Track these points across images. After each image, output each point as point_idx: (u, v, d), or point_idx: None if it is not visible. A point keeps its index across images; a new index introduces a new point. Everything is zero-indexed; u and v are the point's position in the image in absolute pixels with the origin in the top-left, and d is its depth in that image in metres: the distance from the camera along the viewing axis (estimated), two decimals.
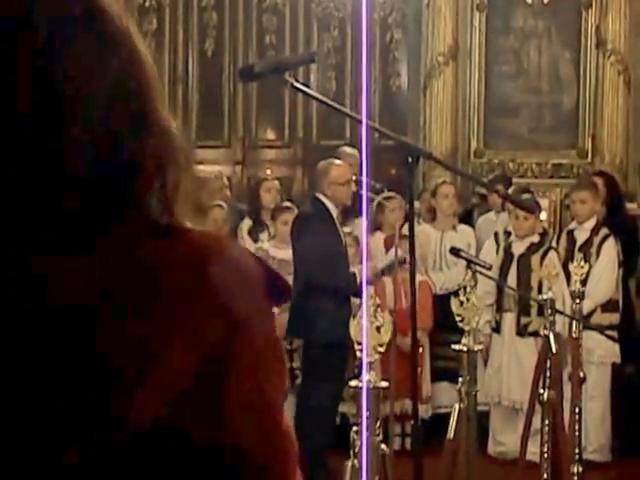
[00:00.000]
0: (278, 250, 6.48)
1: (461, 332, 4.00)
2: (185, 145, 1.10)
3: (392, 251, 6.50)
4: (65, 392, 0.99)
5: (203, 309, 1.03)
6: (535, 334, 5.94)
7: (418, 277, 6.30)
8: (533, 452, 4.98)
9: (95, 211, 1.01)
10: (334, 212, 5.65)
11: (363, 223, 7.07)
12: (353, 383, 2.76)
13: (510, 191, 6.78)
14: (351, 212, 6.93)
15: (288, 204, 6.79)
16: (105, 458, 1.00)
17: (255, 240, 6.90)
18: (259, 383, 1.06)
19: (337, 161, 5.95)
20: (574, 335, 5.20)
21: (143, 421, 1.00)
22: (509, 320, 6.24)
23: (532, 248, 6.23)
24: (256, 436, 1.06)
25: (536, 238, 6.28)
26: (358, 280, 5.51)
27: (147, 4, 9.49)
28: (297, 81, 2.46)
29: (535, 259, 6.15)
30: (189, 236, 1.07)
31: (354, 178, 6.01)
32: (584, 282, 5.32)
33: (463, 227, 7.05)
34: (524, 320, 6.17)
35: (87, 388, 0.99)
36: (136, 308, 1.01)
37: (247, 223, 7.12)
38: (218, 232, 1.10)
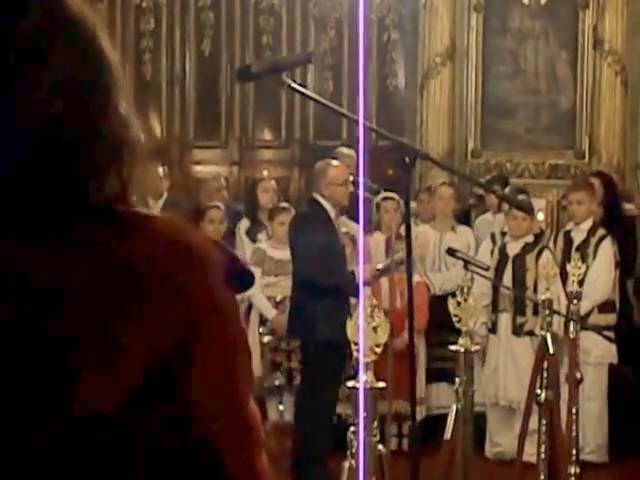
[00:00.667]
0: (276, 250, 6.48)
1: (459, 333, 4.01)
2: (141, 137, 1.11)
3: (382, 239, 6.52)
4: (32, 376, 0.99)
5: (161, 296, 1.03)
6: (531, 333, 5.95)
7: (416, 278, 6.34)
8: (530, 453, 4.98)
9: (47, 198, 1.02)
10: (332, 212, 5.65)
11: (360, 224, 7.07)
12: (350, 383, 2.76)
13: (506, 191, 6.78)
14: (348, 212, 6.94)
15: (285, 205, 6.80)
16: (71, 442, 1.00)
17: (253, 240, 6.90)
18: (223, 369, 1.06)
19: (334, 162, 5.95)
20: (571, 336, 5.20)
21: (106, 406, 1.00)
22: (505, 320, 6.24)
23: (527, 248, 6.24)
24: (220, 423, 1.06)
25: (531, 238, 6.28)
26: (357, 279, 5.51)
27: (144, 4, 9.48)
28: (294, 81, 2.45)
29: (530, 259, 6.15)
30: (146, 222, 1.08)
31: (351, 179, 6.01)
32: (581, 283, 5.32)
33: (462, 228, 7.05)
34: (520, 320, 6.18)
35: (52, 371, 0.99)
36: (92, 296, 1.01)
37: (245, 223, 7.12)
38: (177, 219, 1.11)
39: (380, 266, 5.73)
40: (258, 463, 1.10)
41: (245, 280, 1.14)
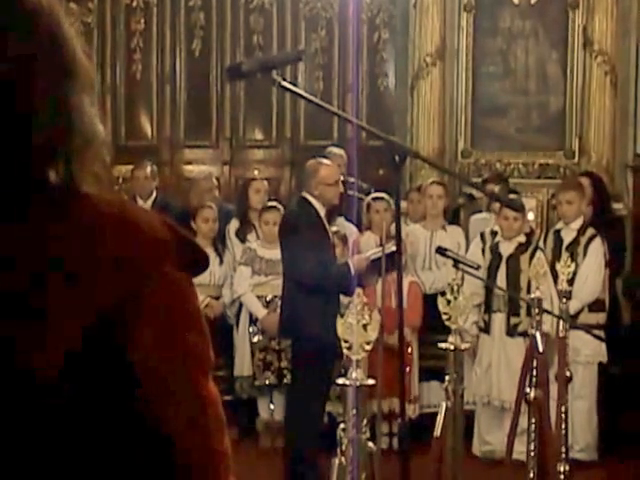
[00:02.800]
0: (266, 250, 6.48)
1: (449, 331, 4.01)
2: (101, 134, 1.13)
3: (374, 238, 6.52)
4: None
5: (101, 271, 1.04)
6: (524, 334, 5.95)
7: (409, 278, 6.36)
8: (520, 451, 4.99)
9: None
10: (322, 212, 5.65)
11: (350, 224, 7.08)
12: (340, 381, 2.76)
13: (496, 191, 6.79)
14: (337, 211, 6.94)
15: (273, 203, 6.78)
16: (14, 409, 1.01)
17: (243, 241, 6.89)
18: (166, 345, 1.05)
19: (325, 161, 5.94)
20: (561, 334, 5.22)
21: (47, 374, 1.00)
22: (499, 320, 6.25)
23: (520, 248, 6.25)
24: (159, 402, 1.06)
25: (523, 238, 6.30)
26: (352, 270, 5.50)
27: (134, 4, 9.46)
28: (285, 80, 2.45)
29: (524, 259, 6.16)
30: (92, 201, 1.09)
31: (342, 178, 6.01)
32: (571, 282, 5.33)
33: (452, 227, 7.06)
34: (514, 320, 6.19)
35: None
36: (37, 270, 1.03)
37: (234, 224, 7.11)
38: (122, 198, 1.14)
39: (371, 254, 5.71)
40: (213, 442, 1.09)
41: (198, 261, 1.13)
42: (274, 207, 6.63)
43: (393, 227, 5.41)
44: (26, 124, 1.06)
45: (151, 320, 1.05)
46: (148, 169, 7.79)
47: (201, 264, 1.14)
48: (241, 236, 6.95)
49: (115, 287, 1.04)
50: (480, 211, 7.37)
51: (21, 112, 1.06)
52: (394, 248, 5.32)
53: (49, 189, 1.08)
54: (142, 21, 9.50)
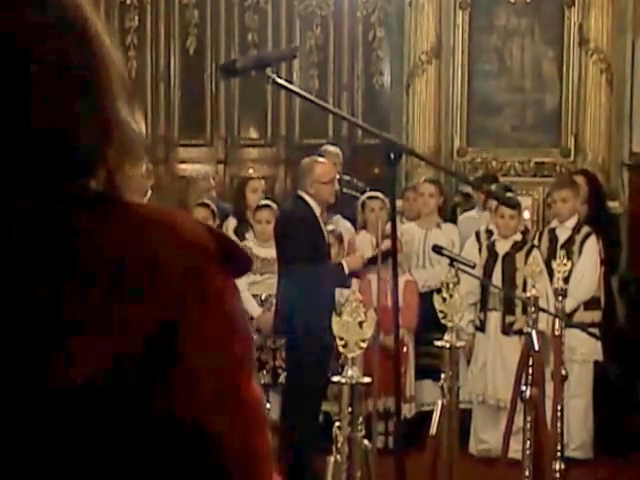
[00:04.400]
0: (262, 249, 6.46)
1: (444, 329, 4.00)
2: (136, 135, 1.12)
3: (369, 238, 6.52)
4: (19, 344, 1.00)
5: (146, 279, 1.04)
6: (520, 332, 5.95)
7: (405, 276, 6.35)
8: (515, 450, 4.99)
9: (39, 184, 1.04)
10: (317, 210, 5.63)
11: (347, 222, 7.07)
12: (335, 378, 2.75)
13: (493, 188, 6.79)
14: (333, 210, 6.93)
15: (267, 202, 6.76)
16: (53, 414, 1.00)
17: (241, 240, 6.87)
18: (215, 353, 1.06)
19: (321, 159, 5.93)
20: (556, 333, 5.21)
21: (88, 377, 1.00)
22: (494, 319, 6.24)
23: (516, 246, 6.24)
24: (211, 404, 1.06)
25: (519, 236, 6.29)
26: (346, 270, 5.51)
27: (128, 1, 9.45)
28: (279, 78, 2.44)
29: (519, 257, 6.16)
30: (135, 209, 1.09)
31: (337, 176, 6.00)
32: (566, 280, 5.33)
33: (447, 225, 7.06)
34: (509, 319, 6.18)
35: (34, 340, 1.00)
36: (89, 275, 1.02)
37: (232, 222, 7.09)
38: (168, 207, 1.13)
39: (369, 255, 5.72)
40: (258, 442, 1.09)
41: (241, 264, 1.14)
42: (268, 205, 6.61)
43: (388, 226, 5.42)
44: (68, 134, 1.05)
45: (200, 323, 1.06)
46: (143, 167, 7.76)
47: (245, 266, 1.15)
48: (239, 235, 6.93)
49: (169, 293, 1.04)
50: (468, 209, 7.38)
51: (62, 126, 1.05)
52: (389, 245, 5.35)
53: (91, 198, 1.07)
54: (136, 18, 9.48)
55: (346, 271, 5.54)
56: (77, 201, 1.06)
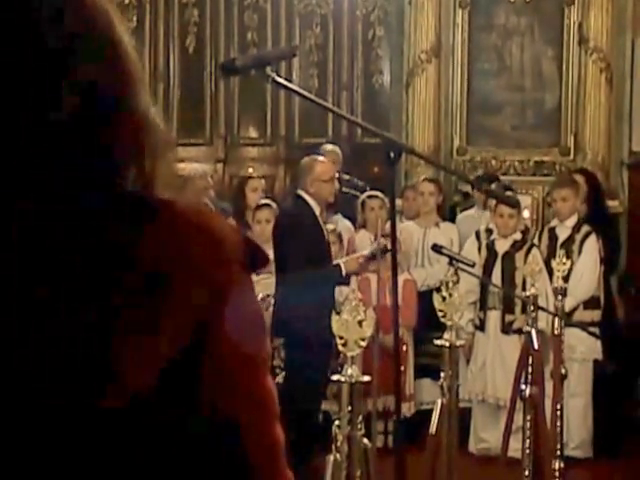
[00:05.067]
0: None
1: (443, 328, 4.00)
2: (164, 132, 1.15)
3: (368, 237, 6.51)
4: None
5: (187, 279, 1.06)
6: (519, 331, 5.95)
7: (404, 276, 6.35)
8: (515, 448, 4.99)
9: (78, 185, 1.05)
10: (317, 209, 5.62)
11: (348, 221, 7.07)
12: (335, 377, 2.75)
13: (492, 187, 6.78)
14: (333, 209, 6.93)
15: (266, 201, 6.75)
16: (102, 421, 1.02)
17: None
18: (242, 349, 1.10)
19: (321, 158, 5.92)
20: (556, 332, 5.21)
21: (140, 386, 1.02)
22: (494, 318, 6.24)
23: (516, 245, 6.24)
24: (238, 399, 1.11)
25: (518, 235, 6.29)
26: (343, 271, 5.50)
27: (127, 1, 9.44)
28: (279, 76, 2.43)
29: (519, 256, 6.16)
30: (171, 208, 1.10)
31: (337, 175, 6.00)
32: (566, 279, 5.33)
33: (446, 224, 7.06)
34: (509, 318, 6.18)
35: (88, 344, 1.01)
36: (123, 279, 1.04)
37: (232, 222, 7.08)
38: (199, 205, 1.15)
39: (365, 253, 5.71)
40: (273, 432, 1.15)
41: (261, 261, 1.17)
42: (268, 205, 6.60)
43: (388, 225, 5.42)
44: (107, 133, 1.07)
45: (228, 319, 1.09)
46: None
47: (262, 263, 1.18)
48: None
49: (204, 291, 1.07)
50: (467, 208, 7.37)
51: (104, 122, 1.07)
52: (386, 243, 5.35)
53: (127, 197, 1.09)
54: (135, 18, 9.47)
55: (343, 273, 5.54)
56: (107, 202, 1.07)
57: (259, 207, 6.63)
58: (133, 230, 1.06)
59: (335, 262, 5.65)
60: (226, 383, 1.09)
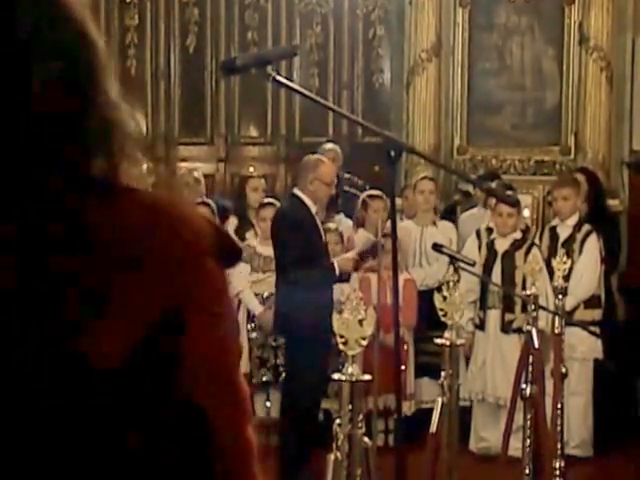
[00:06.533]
0: (265, 247, 6.46)
1: (443, 327, 4.00)
2: (131, 121, 1.16)
3: (367, 236, 6.51)
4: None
5: (153, 265, 1.06)
6: (519, 330, 5.95)
7: (405, 275, 6.34)
8: (515, 447, 4.99)
9: (40, 175, 1.06)
10: (313, 209, 5.61)
11: (349, 221, 7.07)
12: (335, 376, 2.75)
13: (492, 186, 6.78)
14: (335, 208, 6.93)
15: (270, 200, 6.75)
16: (70, 396, 1.02)
17: (242, 239, 6.87)
18: (214, 339, 1.10)
19: (325, 159, 5.91)
20: (556, 331, 5.21)
21: (107, 362, 1.02)
22: (494, 317, 6.24)
23: (515, 245, 6.25)
24: (211, 392, 1.10)
25: (519, 235, 6.29)
26: (337, 271, 5.52)
27: (128, 0, 9.45)
28: (279, 75, 2.44)
29: (519, 255, 6.16)
30: (138, 195, 1.12)
31: (336, 175, 6.00)
32: (566, 278, 5.33)
33: (444, 223, 7.04)
34: (508, 317, 6.18)
35: (54, 324, 1.02)
36: (92, 262, 1.04)
37: (233, 221, 7.08)
38: (167, 193, 1.15)
39: (355, 251, 5.72)
40: (246, 433, 1.15)
41: (232, 255, 1.17)
42: (271, 204, 6.61)
43: (388, 224, 5.42)
44: (75, 121, 1.08)
45: (200, 311, 1.09)
46: (144, 166, 7.75)
47: (235, 257, 1.18)
48: (240, 234, 6.92)
49: (173, 281, 1.07)
50: (468, 208, 7.37)
51: (71, 111, 1.08)
52: (376, 241, 5.35)
53: (94, 184, 1.09)
54: (136, 17, 9.48)
55: (337, 272, 5.54)
56: (82, 190, 1.07)
57: (263, 205, 6.64)
58: (99, 213, 1.06)
59: (331, 261, 5.65)
60: (198, 374, 1.09)
